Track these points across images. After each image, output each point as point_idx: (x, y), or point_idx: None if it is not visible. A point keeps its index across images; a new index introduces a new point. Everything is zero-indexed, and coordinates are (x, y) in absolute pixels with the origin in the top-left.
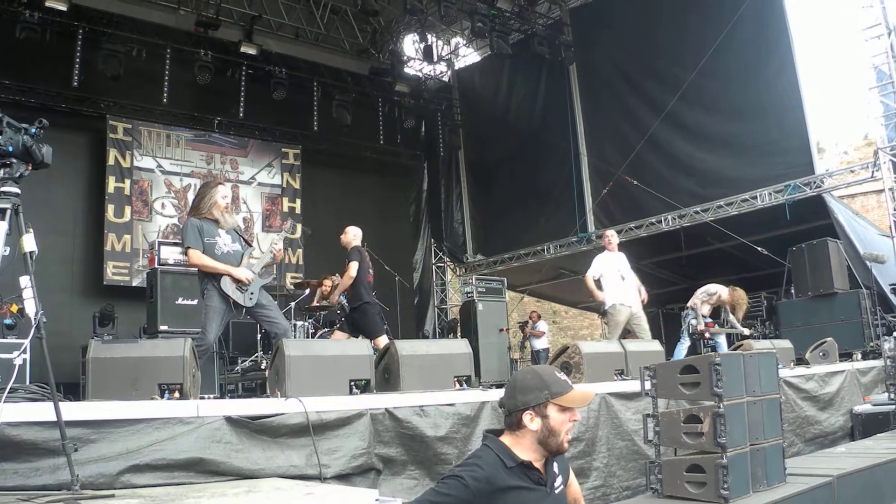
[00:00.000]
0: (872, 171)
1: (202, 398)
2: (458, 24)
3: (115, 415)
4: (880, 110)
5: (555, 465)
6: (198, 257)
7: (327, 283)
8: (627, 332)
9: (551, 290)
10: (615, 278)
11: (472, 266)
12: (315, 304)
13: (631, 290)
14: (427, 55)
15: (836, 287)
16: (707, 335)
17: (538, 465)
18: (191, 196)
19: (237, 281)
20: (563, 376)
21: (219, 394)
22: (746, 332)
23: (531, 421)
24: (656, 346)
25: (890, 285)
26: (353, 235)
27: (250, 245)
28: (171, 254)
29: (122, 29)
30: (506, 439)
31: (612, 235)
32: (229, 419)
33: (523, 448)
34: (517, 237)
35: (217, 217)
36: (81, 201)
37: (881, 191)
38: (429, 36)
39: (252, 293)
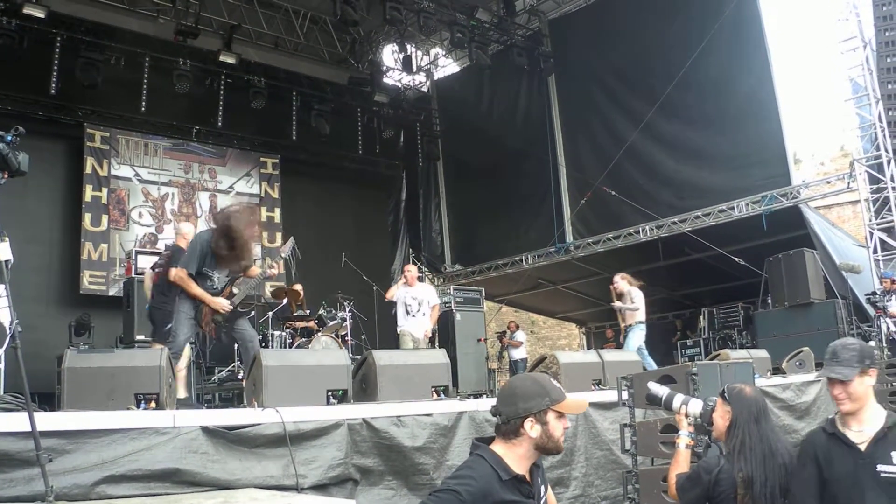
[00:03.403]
0: (848, 182)
1: (178, 408)
2: (437, 34)
3: (90, 425)
4: (856, 122)
5: (538, 477)
6: (182, 279)
7: (297, 287)
8: (605, 342)
9: (529, 301)
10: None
11: (451, 276)
12: (293, 313)
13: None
14: (406, 65)
15: (812, 297)
16: None
17: (527, 476)
18: (168, 205)
19: (214, 311)
20: (557, 384)
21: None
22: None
23: (531, 428)
24: (634, 356)
25: (865, 295)
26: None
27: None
28: (148, 263)
29: (101, 37)
30: (498, 448)
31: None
32: (206, 429)
33: (517, 457)
34: (495, 247)
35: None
36: (58, 210)
37: (857, 201)
38: (408, 46)
39: (227, 324)
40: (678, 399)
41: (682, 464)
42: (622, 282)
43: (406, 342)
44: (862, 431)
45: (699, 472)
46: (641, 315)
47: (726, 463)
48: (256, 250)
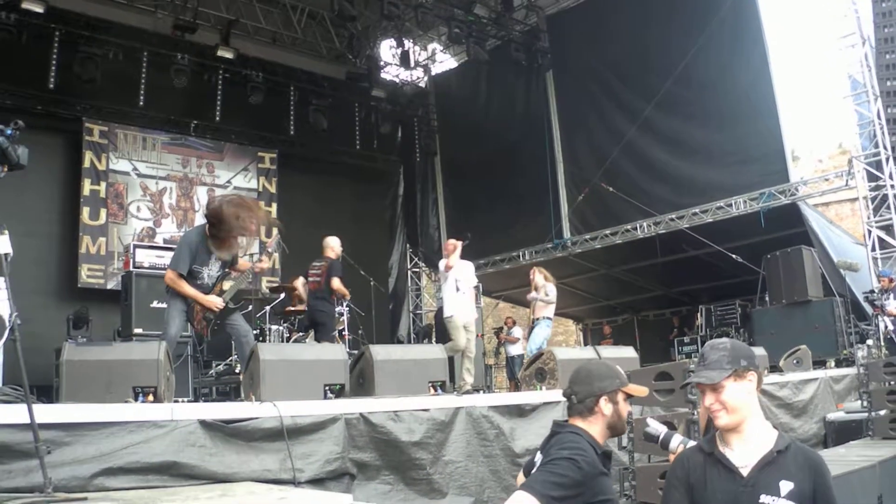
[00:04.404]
0: (847, 180)
1: (176, 401)
2: (435, 29)
3: (88, 418)
4: (855, 119)
5: None
6: (173, 280)
7: (298, 283)
8: (602, 339)
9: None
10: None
11: None
12: (291, 308)
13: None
14: (404, 61)
15: (809, 295)
16: None
17: None
18: (166, 200)
19: (206, 308)
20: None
21: (193, 397)
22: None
23: (605, 405)
24: (631, 352)
25: (863, 293)
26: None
27: (234, 270)
28: (146, 257)
29: (99, 32)
30: (579, 425)
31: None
32: (203, 423)
33: (596, 435)
34: (493, 243)
35: (225, 246)
36: (57, 203)
37: (855, 199)
38: (406, 41)
39: (218, 322)
40: (676, 440)
41: None
42: (538, 275)
43: (458, 333)
44: (745, 452)
45: None
46: (551, 311)
47: None
48: (254, 244)
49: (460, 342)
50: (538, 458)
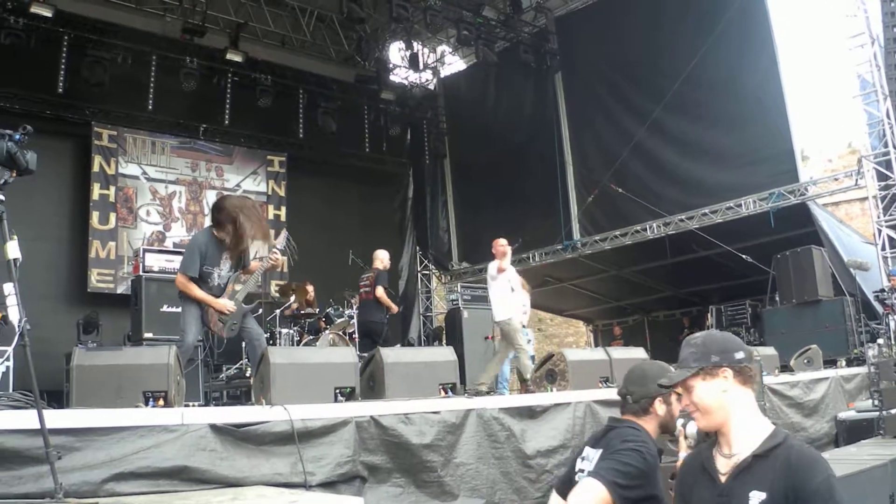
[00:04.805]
0: (856, 179)
1: (187, 406)
2: (443, 32)
3: (99, 423)
4: (864, 118)
5: None
6: (184, 284)
7: (310, 288)
8: (613, 340)
9: (536, 298)
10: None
11: (458, 273)
12: (301, 311)
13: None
14: (413, 63)
15: (820, 294)
16: None
17: None
18: (175, 204)
19: (219, 311)
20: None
21: (203, 401)
22: None
23: (660, 406)
24: (641, 353)
25: (873, 292)
26: None
27: (245, 272)
28: (155, 261)
29: (108, 36)
30: (635, 422)
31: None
32: (214, 427)
33: (649, 431)
34: None
35: (233, 245)
36: (66, 208)
37: (865, 198)
38: (414, 44)
39: (234, 323)
40: (680, 420)
41: None
42: None
43: (518, 335)
44: (731, 457)
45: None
46: (526, 319)
47: None
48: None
49: (521, 342)
50: (587, 452)
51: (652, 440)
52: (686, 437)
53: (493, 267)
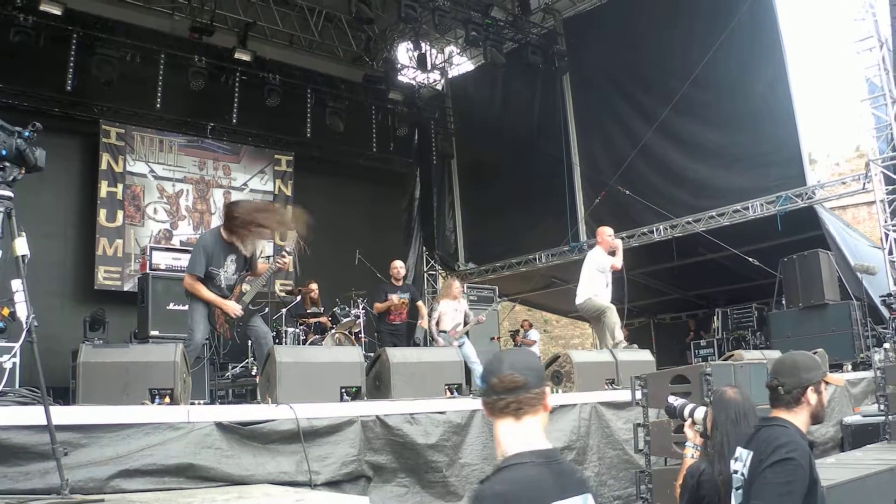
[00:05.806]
0: (864, 183)
1: (193, 404)
2: (452, 32)
3: (105, 419)
4: (872, 122)
5: None
6: (191, 285)
7: (313, 286)
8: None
9: (543, 299)
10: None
11: (464, 274)
12: (307, 310)
13: None
14: (421, 63)
15: (826, 298)
16: None
17: None
18: (183, 202)
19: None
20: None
21: (209, 399)
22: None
23: (812, 395)
24: (647, 355)
25: (880, 297)
26: None
27: (252, 274)
28: (162, 259)
29: (117, 34)
30: (784, 417)
31: None
32: (220, 425)
33: (800, 424)
34: (509, 246)
35: (241, 244)
36: (74, 205)
37: (872, 202)
38: (423, 44)
39: (240, 324)
40: (688, 408)
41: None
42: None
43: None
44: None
45: (686, 477)
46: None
47: (708, 466)
48: (266, 245)
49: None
50: (739, 452)
51: (802, 436)
52: (694, 423)
53: (606, 262)
